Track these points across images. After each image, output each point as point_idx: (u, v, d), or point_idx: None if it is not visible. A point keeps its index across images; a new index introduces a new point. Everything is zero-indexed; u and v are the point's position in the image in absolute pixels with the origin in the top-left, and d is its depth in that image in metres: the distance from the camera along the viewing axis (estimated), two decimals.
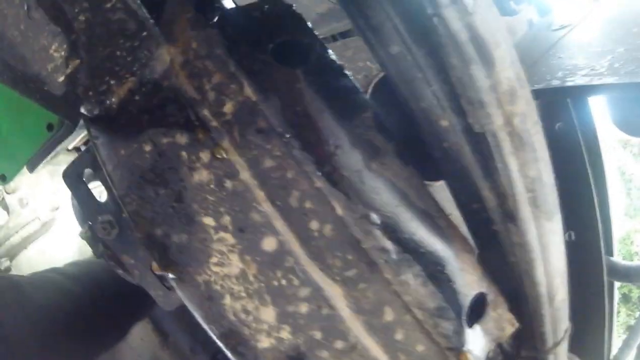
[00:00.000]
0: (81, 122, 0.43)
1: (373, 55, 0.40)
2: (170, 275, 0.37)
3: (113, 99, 0.40)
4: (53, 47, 0.37)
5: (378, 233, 0.37)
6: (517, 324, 0.41)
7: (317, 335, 0.37)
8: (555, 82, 0.42)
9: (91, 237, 0.51)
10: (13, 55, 0.37)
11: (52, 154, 0.62)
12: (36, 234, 1.15)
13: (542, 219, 0.37)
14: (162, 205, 0.37)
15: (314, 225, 0.37)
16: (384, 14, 0.36)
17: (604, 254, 0.65)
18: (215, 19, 0.41)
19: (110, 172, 0.40)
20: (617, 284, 0.75)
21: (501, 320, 0.41)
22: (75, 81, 0.39)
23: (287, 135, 0.37)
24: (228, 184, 0.37)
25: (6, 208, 1.11)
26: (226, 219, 0.36)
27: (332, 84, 0.39)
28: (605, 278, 0.65)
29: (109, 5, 0.36)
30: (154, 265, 0.44)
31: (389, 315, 0.38)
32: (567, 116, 0.72)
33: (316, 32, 0.41)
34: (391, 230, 0.37)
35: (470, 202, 0.41)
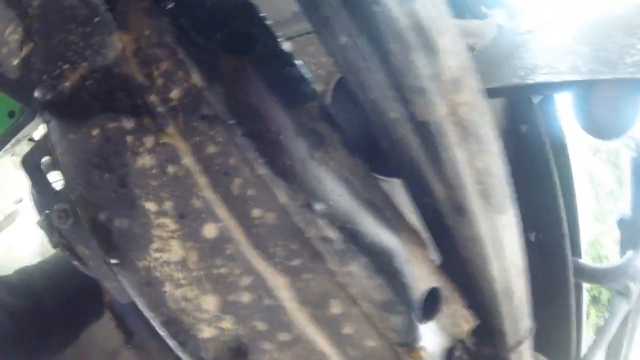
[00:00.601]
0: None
1: (325, 48, 0.40)
2: (113, 261, 0.37)
3: (66, 84, 0.41)
4: (7, 30, 0.38)
5: (321, 222, 0.36)
6: (473, 321, 0.40)
7: (260, 326, 0.37)
8: (515, 80, 0.41)
9: (47, 226, 0.52)
10: None
11: (13, 140, 0.63)
12: None
13: (493, 212, 0.36)
14: (106, 189, 0.38)
15: (256, 212, 0.36)
16: (329, 4, 0.36)
17: (569, 254, 0.64)
18: (169, 7, 0.42)
19: (59, 157, 0.40)
20: (586, 286, 0.74)
21: (456, 316, 0.40)
22: (29, 65, 0.39)
23: (230, 122, 0.37)
24: (170, 169, 0.37)
25: None
26: (168, 205, 0.36)
27: (279, 72, 0.39)
28: (572, 279, 0.64)
29: None
30: None
31: (335, 307, 0.38)
32: (533, 119, 0.72)
33: (268, 22, 0.41)
34: (334, 219, 0.37)
35: (421, 195, 0.40)
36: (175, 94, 0.38)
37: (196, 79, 0.38)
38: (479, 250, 0.38)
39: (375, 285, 0.38)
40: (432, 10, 0.32)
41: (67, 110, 0.41)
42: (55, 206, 0.49)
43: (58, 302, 0.67)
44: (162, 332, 0.37)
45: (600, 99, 0.42)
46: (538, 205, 0.66)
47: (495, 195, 0.36)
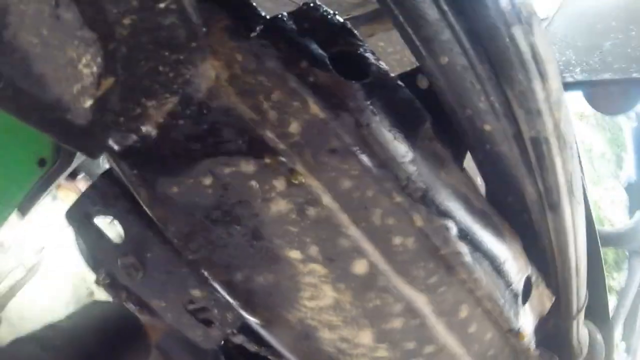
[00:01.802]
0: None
1: (420, 64, 0.42)
2: (256, 321, 0.35)
3: (149, 126, 0.34)
4: (83, 60, 0.29)
5: (454, 238, 0.40)
6: (553, 298, 0.49)
7: (409, 345, 0.39)
8: None
9: (110, 284, 0.44)
10: (26, 74, 0.27)
11: (46, 193, 0.49)
12: (23, 280, 0.94)
13: (575, 204, 0.45)
14: (239, 246, 0.34)
15: (397, 240, 0.38)
16: (440, 27, 0.37)
17: (594, 222, 0.80)
18: (259, 29, 0.38)
19: (160, 216, 0.34)
20: None
21: (542, 296, 0.48)
22: (105, 106, 0.31)
23: (362, 154, 0.37)
24: (311, 211, 0.35)
25: None
26: (314, 250, 0.35)
27: (395, 96, 0.40)
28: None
29: (162, 5, 0.29)
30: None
31: (464, 311, 0.42)
32: None
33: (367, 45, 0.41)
34: (464, 233, 0.40)
35: (506, 196, 0.47)
36: (294, 127, 0.36)
37: (315, 109, 0.36)
38: (563, 237, 0.46)
39: (495, 285, 0.43)
40: (543, 41, 0.36)
41: (157, 157, 0.35)
42: (119, 261, 0.42)
43: (101, 349, 0.58)
44: None
45: (612, 83, 0.52)
46: None
47: (577, 189, 0.44)
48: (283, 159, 0.35)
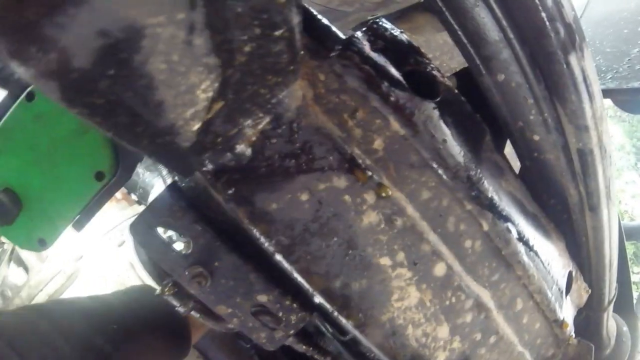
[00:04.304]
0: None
1: (476, 77, 0.48)
2: (351, 323, 0.40)
3: (244, 145, 0.38)
4: (203, 86, 0.30)
5: (514, 240, 0.46)
6: (589, 291, 0.57)
7: (478, 337, 0.45)
8: None
9: (177, 294, 0.47)
10: (147, 101, 0.28)
11: (102, 207, 0.52)
12: (62, 288, 0.94)
13: (611, 206, 0.52)
14: (336, 256, 0.39)
15: (468, 243, 0.44)
16: (500, 48, 0.43)
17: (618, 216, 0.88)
18: (337, 48, 0.42)
19: (262, 230, 0.38)
20: None
21: (580, 289, 0.56)
22: (209, 128, 0.34)
23: (438, 167, 0.42)
24: (398, 221, 0.40)
25: (23, 265, 0.85)
26: (401, 256, 0.40)
27: (461, 112, 0.45)
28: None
29: (277, 33, 0.30)
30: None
31: (519, 304, 0.49)
32: None
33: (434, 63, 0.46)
34: (521, 235, 0.47)
35: (549, 198, 0.54)
36: (378, 144, 0.41)
37: (396, 126, 0.41)
38: (600, 235, 0.54)
39: (544, 279, 0.50)
40: (591, 64, 0.43)
41: (253, 176, 0.39)
42: (187, 271, 0.46)
43: (144, 335, 0.61)
44: None
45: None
46: None
47: (613, 192, 0.52)
48: (371, 173, 0.40)
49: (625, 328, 0.71)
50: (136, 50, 0.26)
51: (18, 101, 0.48)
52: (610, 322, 0.66)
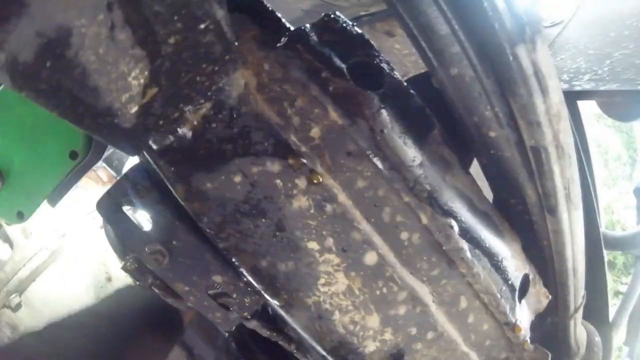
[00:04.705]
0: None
1: (431, 72, 0.47)
2: (277, 302, 0.41)
3: (185, 128, 0.41)
4: (133, 74, 0.34)
5: (456, 236, 0.46)
6: (550, 296, 0.55)
7: (413, 331, 0.45)
8: (564, 86, 0.52)
9: (137, 269, 0.50)
10: (84, 86, 0.33)
11: (76, 184, 0.56)
12: (44, 264, 1.03)
13: (572, 210, 0.50)
14: (264, 236, 0.40)
15: (404, 235, 0.44)
16: (451, 41, 0.43)
17: (599, 226, 0.84)
18: (284, 39, 0.44)
19: (195, 208, 0.41)
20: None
21: (539, 294, 0.54)
22: (148, 111, 0.38)
23: (375, 157, 0.43)
24: (328, 207, 0.41)
25: (8, 241, 0.95)
26: (329, 241, 0.41)
27: (406, 104, 0.45)
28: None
29: (202, 26, 0.35)
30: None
31: (463, 303, 0.48)
32: None
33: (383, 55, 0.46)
34: (465, 232, 0.46)
35: (509, 197, 0.52)
36: (315, 132, 0.42)
37: (334, 116, 0.42)
38: (561, 239, 0.52)
39: (493, 280, 0.49)
40: (545, 57, 0.42)
41: (192, 157, 0.41)
42: (147, 248, 0.49)
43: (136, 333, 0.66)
44: (330, 357, 0.43)
45: (618, 94, 0.56)
46: None
47: (575, 196, 0.50)
48: (304, 160, 0.41)
49: (597, 338, 0.67)
50: (67, 46, 0.31)
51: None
52: (579, 330, 0.63)
